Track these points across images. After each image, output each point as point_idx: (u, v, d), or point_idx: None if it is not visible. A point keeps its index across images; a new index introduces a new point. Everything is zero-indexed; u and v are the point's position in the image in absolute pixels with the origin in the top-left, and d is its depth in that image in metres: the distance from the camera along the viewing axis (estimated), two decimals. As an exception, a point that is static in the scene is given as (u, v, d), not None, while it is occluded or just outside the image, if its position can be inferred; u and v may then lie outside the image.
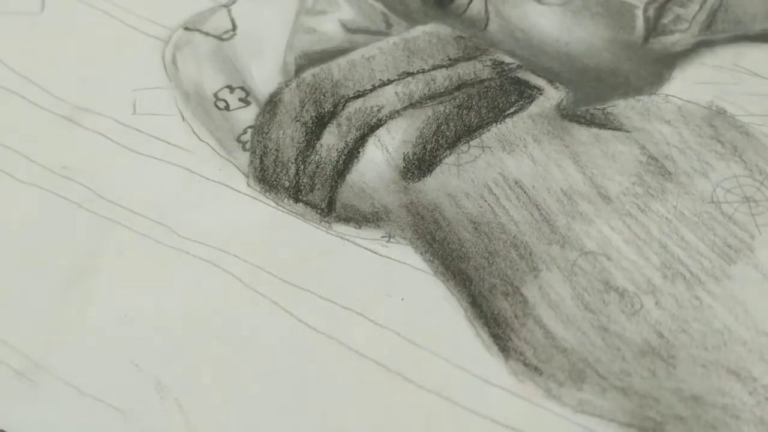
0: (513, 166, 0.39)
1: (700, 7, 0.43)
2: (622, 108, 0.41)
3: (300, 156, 0.41)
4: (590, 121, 0.40)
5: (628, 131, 0.40)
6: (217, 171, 0.41)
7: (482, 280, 0.37)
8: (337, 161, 0.40)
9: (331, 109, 0.41)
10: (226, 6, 0.46)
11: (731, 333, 0.35)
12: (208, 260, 0.39)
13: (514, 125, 0.40)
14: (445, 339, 0.36)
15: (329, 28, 0.45)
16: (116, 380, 0.36)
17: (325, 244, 0.39)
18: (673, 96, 0.41)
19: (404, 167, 0.40)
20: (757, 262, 0.36)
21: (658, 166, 0.39)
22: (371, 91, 0.42)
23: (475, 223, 0.38)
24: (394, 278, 0.37)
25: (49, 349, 0.37)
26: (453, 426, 0.34)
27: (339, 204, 0.39)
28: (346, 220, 0.39)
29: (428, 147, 0.40)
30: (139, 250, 0.39)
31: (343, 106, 0.41)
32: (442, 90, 0.41)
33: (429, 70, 0.42)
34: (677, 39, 0.43)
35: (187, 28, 0.46)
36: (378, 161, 0.40)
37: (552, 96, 0.41)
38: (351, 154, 0.40)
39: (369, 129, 0.41)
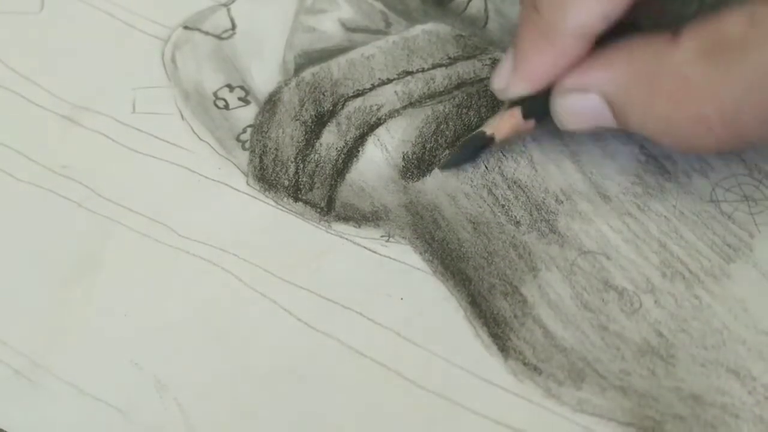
0: (512, 165, 0.39)
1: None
2: (622, 107, 0.41)
3: (299, 155, 0.41)
4: (590, 120, 0.40)
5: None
6: (217, 170, 0.41)
7: (481, 279, 0.37)
8: (337, 160, 0.40)
9: (331, 108, 0.41)
10: (225, 5, 0.46)
11: (730, 332, 0.35)
12: (208, 259, 0.39)
13: (514, 124, 0.40)
14: (445, 338, 0.36)
15: (329, 26, 0.45)
16: (116, 380, 0.36)
17: (324, 243, 0.39)
18: (672, 95, 0.41)
19: (404, 166, 0.40)
20: (757, 261, 0.36)
21: (657, 165, 0.39)
22: (371, 90, 0.42)
23: (474, 222, 0.38)
24: (393, 278, 0.37)
25: (49, 349, 0.37)
26: (452, 425, 0.34)
27: (338, 203, 0.40)
28: (346, 219, 0.39)
29: (428, 146, 0.40)
30: (138, 249, 0.39)
31: (343, 105, 0.41)
32: (441, 89, 0.41)
33: (428, 69, 0.42)
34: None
35: (186, 27, 0.46)
36: (377, 160, 0.40)
37: (551, 95, 0.41)
38: (350, 153, 0.40)
39: (368, 128, 0.41)
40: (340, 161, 0.40)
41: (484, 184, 0.39)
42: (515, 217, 0.38)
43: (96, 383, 0.36)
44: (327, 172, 0.40)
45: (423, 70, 0.42)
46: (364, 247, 0.38)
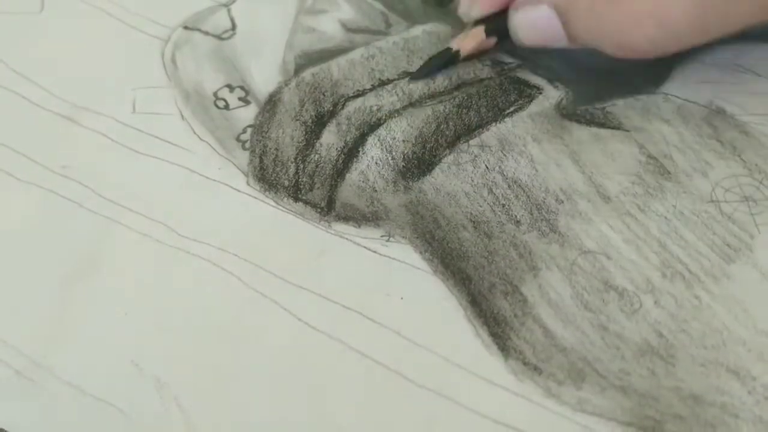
0: (512, 165, 0.39)
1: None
2: (622, 107, 0.41)
3: (299, 155, 0.41)
4: (590, 121, 0.40)
5: (627, 130, 0.40)
6: (217, 170, 0.41)
7: (482, 279, 0.37)
8: (337, 160, 0.40)
9: (331, 108, 0.41)
10: (225, 5, 0.46)
11: (730, 332, 0.35)
12: (208, 259, 0.39)
13: (514, 124, 0.40)
14: (445, 338, 0.36)
15: (329, 27, 0.45)
16: (116, 380, 0.36)
17: (324, 243, 0.39)
18: (672, 95, 0.41)
19: (404, 166, 0.40)
20: (757, 261, 0.36)
21: (658, 165, 0.39)
22: (371, 90, 0.42)
23: (474, 222, 0.38)
24: (393, 277, 0.37)
25: (50, 349, 0.37)
26: (452, 425, 0.34)
27: (338, 203, 0.40)
28: (346, 219, 0.39)
29: (428, 146, 0.40)
30: (138, 249, 0.39)
31: (343, 105, 0.41)
32: (441, 89, 0.41)
33: (428, 70, 0.42)
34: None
35: (186, 28, 0.46)
36: (378, 160, 0.40)
37: (551, 95, 0.41)
38: (350, 153, 0.40)
39: (369, 128, 0.41)
40: (341, 161, 0.40)
41: (484, 184, 0.39)
42: (516, 216, 0.38)
43: (96, 383, 0.36)
44: (327, 172, 0.40)
45: (423, 71, 0.42)
46: (365, 247, 0.38)
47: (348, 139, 0.40)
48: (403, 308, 0.37)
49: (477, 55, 0.42)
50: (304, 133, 0.41)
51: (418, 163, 0.40)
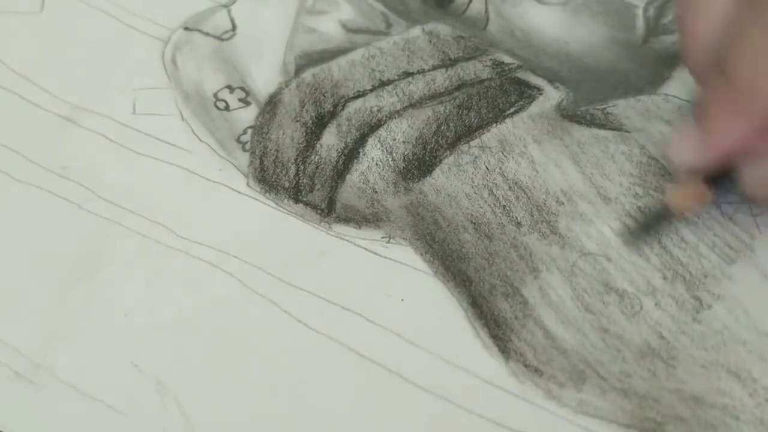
0: (513, 166, 0.39)
1: None
2: (622, 108, 0.41)
3: (300, 156, 0.41)
4: (590, 121, 0.40)
5: (628, 131, 0.40)
6: (217, 171, 0.41)
7: (482, 280, 0.37)
8: (337, 161, 0.40)
9: (331, 109, 0.41)
10: (225, 6, 0.46)
11: (731, 334, 0.35)
12: (208, 261, 0.39)
13: (514, 125, 0.40)
14: (445, 340, 0.36)
15: (329, 27, 0.45)
16: (116, 380, 0.36)
17: (324, 245, 0.39)
18: (673, 96, 0.41)
19: (404, 167, 0.40)
20: (757, 262, 0.36)
21: (658, 166, 0.39)
22: (371, 91, 0.42)
23: (475, 223, 0.38)
24: (393, 279, 0.37)
25: (50, 350, 0.37)
26: (453, 427, 0.34)
27: (339, 204, 0.39)
28: (346, 220, 0.39)
29: (428, 147, 0.40)
30: (138, 250, 0.39)
31: (343, 106, 0.41)
32: (442, 90, 0.41)
33: (429, 70, 0.42)
34: (677, 38, 0.43)
35: (186, 28, 0.46)
36: (378, 161, 0.40)
37: (552, 96, 0.41)
38: (351, 154, 0.40)
39: (369, 129, 0.41)
40: (341, 162, 0.40)
41: (485, 185, 0.39)
42: (516, 218, 0.38)
43: (96, 384, 0.36)
44: (327, 173, 0.40)
45: (423, 71, 0.42)
46: (365, 249, 0.38)
47: (348, 140, 0.40)
48: (403, 310, 0.37)
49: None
50: (304, 134, 0.41)
51: (419, 164, 0.40)
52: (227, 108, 0.43)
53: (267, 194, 0.40)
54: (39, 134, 0.43)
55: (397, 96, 0.41)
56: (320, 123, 0.41)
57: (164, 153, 0.42)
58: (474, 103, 0.41)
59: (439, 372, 0.35)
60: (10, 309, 0.38)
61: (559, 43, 0.43)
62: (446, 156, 0.40)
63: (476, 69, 0.42)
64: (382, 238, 0.39)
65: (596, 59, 0.41)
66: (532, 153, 0.40)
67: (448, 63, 0.42)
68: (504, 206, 0.38)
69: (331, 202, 0.39)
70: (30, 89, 0.44)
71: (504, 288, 0.36)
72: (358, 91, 0.42)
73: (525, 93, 0.41)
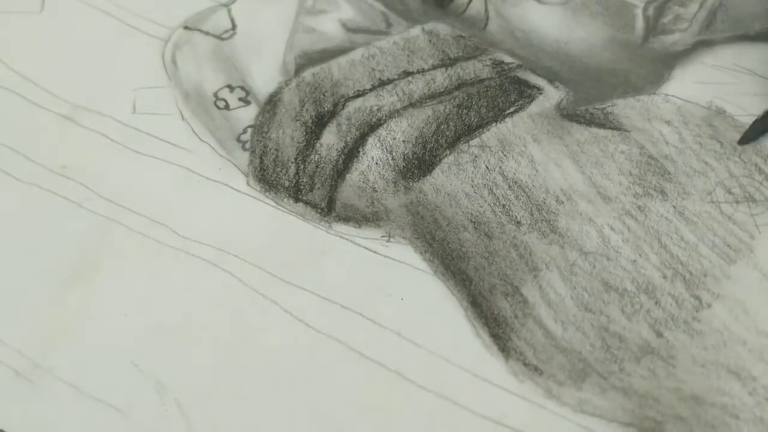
0: (513, 165, 0.39)
1: (700, 7, 0.43)
2: (622, 107, 0.41)
3: (300, 155, 0.41)
4: (590, 121, 0.40)
5: (627, 131, 0.40)
6: (217, 170, 0.41)
7: (482, 280, 0.37)
8: (337, 161, 0.40)
9: (331, 108, 0.41)
10: (225, 5, 0.46)
11: (731, 333, 0.35)
12: (208, 260, 0.39)
13: (514, 125, 0.40)
14: (445, 339, 0.36)
15: (329, 27, 0.45)
16: (116, 380, 0.36)
17: (325, 244, 0.39)
18: (672, 96, 0.41)
19: (404, 167, 0.40)
20: (757, 261, 0.36)
21: (658, 165, 0.39)
22: (371, 90, 0.42)
23: (474, 222, 0.38)
24: (393, 278, 0.37)
25: (50, 350, 0.37)
26: (453, 426, 0.34)
27: (339, 203, 0.39)
28: (346, 219, 0.39)
29: (428, 146, 0.40)
30: (138, 249, 0.39)
31: (343, 105, 0.41)
32: (442, 89, 0.41)
33: (429, 70, 0.42)
34: (677, 38, 0.43)
35: (186, 28, 0.46)
36: (378, 161, 0.40)
37: (552, 95, 0.41)
38: (351, 153, 0.40)
39: (369, 128, 0.41)
40: (341, 162, 0.40)
41: (485, 184, 0.39)
42: (516, 217, 0.38)
43: (96, 384, 0.36)
44: (327, 172, 0.40)
45: (423, 71, 0.42)
46: (365, 248, 0.38)
47: (348, 139, 0.40)
48: (403, 309, 0.37)
49: None
50: (304, 133, 0.41)
51: (419, 163, 0.40)
52: (227, 107, 0.43)
53: (267, 193, 0.40)
54: (39, 133, 0.43)
55: (397, 95, 0.41)
56: (320, 122, 0.41)
57: (164, 152, 0.42)
58: (474, 102, 0.41)
59: (438, 371, 0.35)
60: (11, 309, 0.38)
61: (559, 43, 0.43)
62: (446, 155, 0.40)
63: (476, 68, 0.42)
64: (382, 237, 0.39)
65: (596, 59, 0.41)
66: (531, 152, 0.40)
67: (448, 62, 0.42)
68: (504, 205, 0.38)
69: (331, 201, 0.39)
70: (30, 89, 0.44)
71: (504, 287, 0.36)
72: (358, 90, 0.42)
73: (525, 92, 0.41)
